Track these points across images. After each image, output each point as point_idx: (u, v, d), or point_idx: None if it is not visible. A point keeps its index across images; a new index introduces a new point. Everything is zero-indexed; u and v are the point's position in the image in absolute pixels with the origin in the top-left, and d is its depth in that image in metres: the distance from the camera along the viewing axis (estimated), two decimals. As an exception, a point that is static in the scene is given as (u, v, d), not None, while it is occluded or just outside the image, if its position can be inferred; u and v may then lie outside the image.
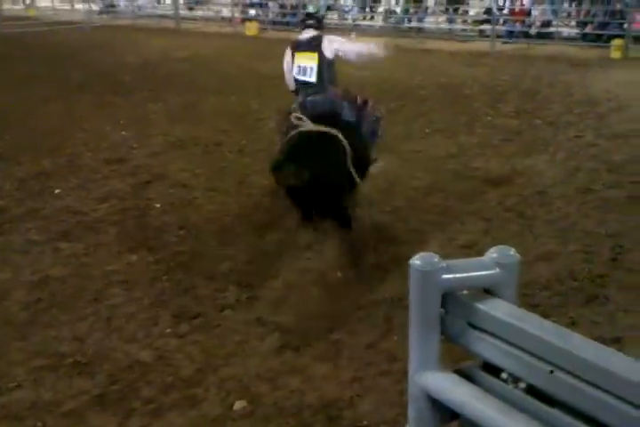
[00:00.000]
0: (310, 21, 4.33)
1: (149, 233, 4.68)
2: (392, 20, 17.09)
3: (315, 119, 3.89)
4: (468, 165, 5.87)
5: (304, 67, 4.08)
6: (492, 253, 1.51)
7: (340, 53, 4.15)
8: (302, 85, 4.13)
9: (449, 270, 1.46)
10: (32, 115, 8.47)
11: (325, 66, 4.08)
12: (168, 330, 3.44)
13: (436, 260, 1.47)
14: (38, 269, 4.14)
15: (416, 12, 17.30)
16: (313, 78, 4.06)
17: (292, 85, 4.29)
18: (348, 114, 4.08)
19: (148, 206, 5.16)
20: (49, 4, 27.87)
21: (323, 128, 3.84)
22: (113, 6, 25.70)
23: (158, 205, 5.17)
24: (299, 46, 4.17)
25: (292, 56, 4.16)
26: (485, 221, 4.65)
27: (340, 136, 3.84)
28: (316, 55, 4.05)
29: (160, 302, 3.70)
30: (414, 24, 17.10)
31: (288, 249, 4.29)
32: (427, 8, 17.40)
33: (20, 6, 29.16)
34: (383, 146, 6.46)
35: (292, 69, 4.17)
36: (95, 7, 24.70)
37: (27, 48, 15.82)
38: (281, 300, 3.68)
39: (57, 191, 5.59)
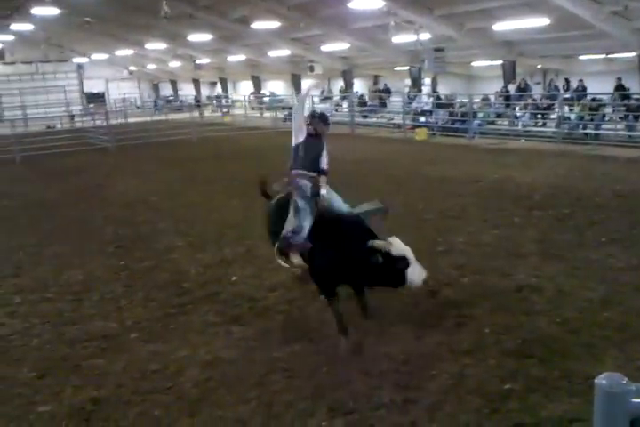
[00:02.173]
0: None
1: (312, 324, 4.86)
2: (565, 126, 16.83)
3: None
4: (650, 279, 5.42)
5: None
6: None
7: None
8: None
9: (639, 394, 1.38)
10: (219, 208, 9.44)
11: None
12: (324, 423, 3.48)
13: (625, 381, 1.39)
14: (212, 350, 4.48)
15: (592, 119, 16.93)
16: None
17: None
18: None
19: (312, 298, 5.39)
20: (242, 112, 31.55)
21: None
22: (296, 114, 28.39)
23: (323, 297, 5.37)
24: None
25: None
26: (671, 342, 4.21)
27: None
28: None
29: (318, 394, 3.78)
30: (590, 130, 16.69)
31: (447, 352, 4.22)
32: (604, 115, 16.97)
33: (218, 113, 33.41)
34: (552, 252, 6.27)
35: None
36: (280, 115, 27.45)
37: (218, 149, 17.89)
38: (436, 406, 3.59)
39: (234, 278, 6.08)
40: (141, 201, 10.38)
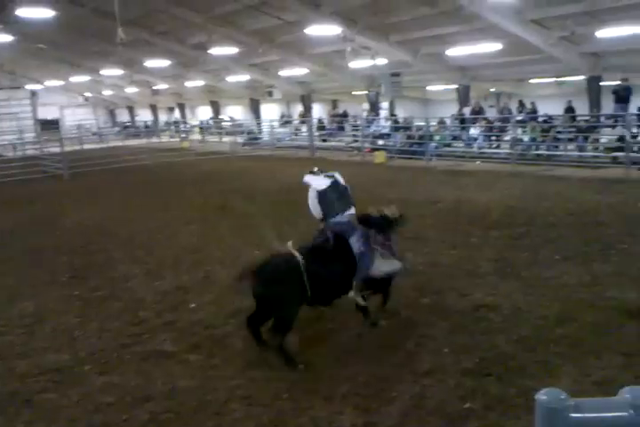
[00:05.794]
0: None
1: (273, 350, 4.79)
2: (519, 147, 17.32)
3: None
4: (602, 295, 5.54)
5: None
6: (626, 394, 1.44)
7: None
8: None
9: (578, 409, 1.40)
10: (176, 234, 9.32)
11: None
12: (284, 451, 3.42)
13: (564, 396, 1.41)
14: (169, 380, 4.36)
15: (543, 141, 17.46)
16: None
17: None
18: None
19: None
20: (200, 137, 31.48)
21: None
22: (256, 138, 28.49)
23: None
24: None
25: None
26: (624, 357, 4.29)
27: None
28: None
29: (278, 421, 3.72)
30: (542, 151, 17.20)
31: (407, 373, 4.22)
32: (555, 136, 17.51)
33: (176, 139, 33.21)
34: (508, 271, 6.39)
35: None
36: (240, 139, 27.48)
37: (176, 175, 17.78)
38: (398, 428, 3.57)
39: (192, 305, 5.98)
40: (96, 229, 10.17)
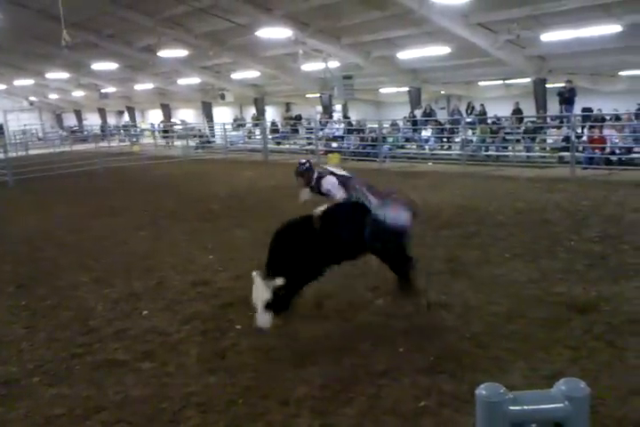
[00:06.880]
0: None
1: (229, 355, 4.75)
2: (469, 148, 17.67)
3: None
4: (550, 291, 5.70)
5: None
6: (561, 386, 1.49)
7: None
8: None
9: (516, 402, 1.45)
10: (126, 240, 9.13)
11: None
12: (240, 457, 3.38)
13: (502, 391, 1.46)
14: (121, 390, 4.26)
15: (493, 141, 17.89)
16: None
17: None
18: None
19: (228, 328, 5.29)
20: (151, 141, 30.97)
21: None
22: (209, 142, 28.20)
23: (239, 327, 5.29)
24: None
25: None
26: (572, 350, 4.42)
27: None
28: None
29: (234, 427, 3.68)
30: (491, 152, 17.61)
31: (363, 374, 4.23)
32: (503, 137, 17.95)
33: (126, 143, 32.58)
34: (459, 270, 6.50)
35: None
36: (192, 143, 27.15)
37: (126, 180, 17.45)
38: (355, 429, 3.58)
39: (145, 312, 5.86)
40: (43, 236, 9.86)
